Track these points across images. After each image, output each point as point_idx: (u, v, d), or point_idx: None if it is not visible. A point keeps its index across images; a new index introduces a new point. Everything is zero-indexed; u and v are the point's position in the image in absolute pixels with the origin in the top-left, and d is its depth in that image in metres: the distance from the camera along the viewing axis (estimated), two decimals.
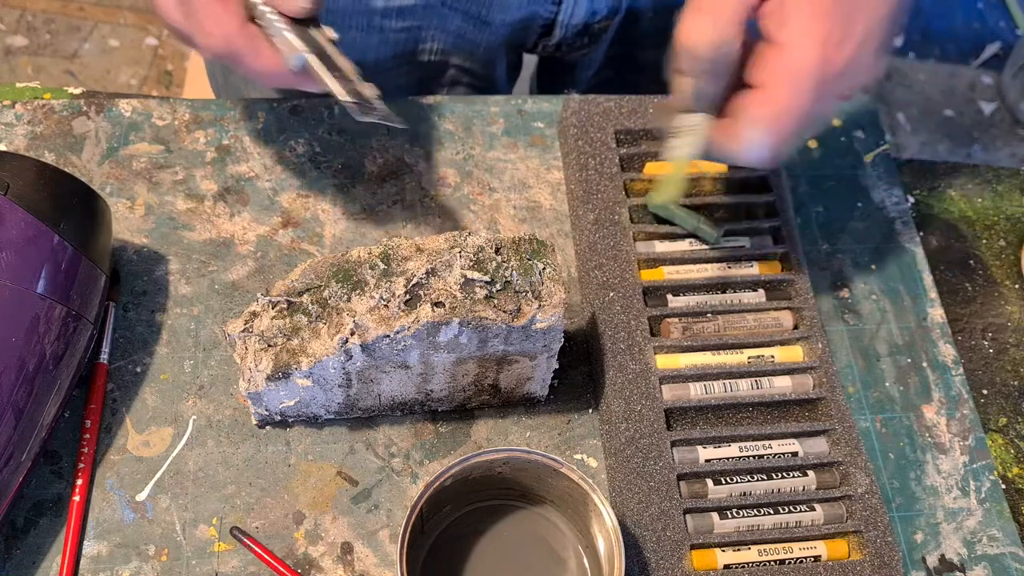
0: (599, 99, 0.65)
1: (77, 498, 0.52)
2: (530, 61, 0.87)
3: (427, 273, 0.49)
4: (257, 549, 0.51)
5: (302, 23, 0.49)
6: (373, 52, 0.74)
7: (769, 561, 0.51)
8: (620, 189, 0.62)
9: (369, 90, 0.50)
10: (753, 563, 0.51)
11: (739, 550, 0.52)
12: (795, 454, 0.55)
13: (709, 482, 0.53)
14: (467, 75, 0.78)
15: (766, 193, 0.63)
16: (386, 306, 0.49)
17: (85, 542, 0.52)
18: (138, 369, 0.57)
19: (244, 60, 0.49)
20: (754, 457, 0.54)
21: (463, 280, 0.49)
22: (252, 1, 0.49)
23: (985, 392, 0.61)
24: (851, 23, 0.45)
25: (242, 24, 0.49)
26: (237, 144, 0.65)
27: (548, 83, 0.90)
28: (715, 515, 0.52)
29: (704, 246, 0.60)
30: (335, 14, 0.70)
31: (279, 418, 0.55)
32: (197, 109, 0.66)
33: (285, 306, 0.50)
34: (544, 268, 0.50)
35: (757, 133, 0.46)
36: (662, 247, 0.60)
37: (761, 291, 0.60)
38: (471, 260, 0.50)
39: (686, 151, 0.51)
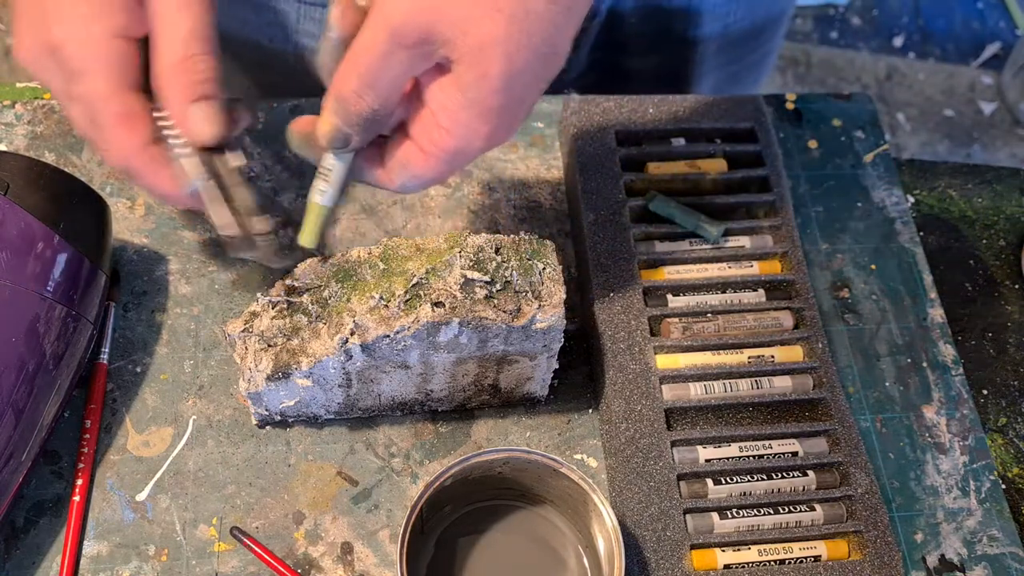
0: (599, 99, 0.65)
1: (77, 498, 0.52)
2: None
3: (427, 273, 0.49)
4: (257, 549, 0.51)
5: (210, 148, 0.49)
6: None
7: (769, 561, 0.51)
8: (620, 189, 0.62)
9: (259, 224, 0.50)
10: (753, 563, 0.51)
11: (739, 550, 0.52)
12: (795, 454, 0.55)
13: (709, 482, 0.53)
14: None
15: (766, 193, 0.63)
16: (386, 306, 0.49)
17: (85, 542, 0.52)
18: (138, 369, 0.57)
19: (141, 180, 0.49)
20: (754, 457, 0.54)
21: (463, 280, 0.49)
22: (161, 124, 0.49)
23: (985, 392, 0.61)
24: (515, 116, 0.45)
25: (143, 146, 0.48)
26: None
27: None
28: (715, 515, 0.52)
29: (704, 246, 0.60)
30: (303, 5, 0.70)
31: (279, 418, 0.55)
32: None
33: (285, 306, 0.50)
34: (544, 268, 0.51)
35: (415, 184, 0.48)
36: (662, 247, 0.60)
37: (761, 291, 0.60)
38: (471, 260, 0.50)
39: (327, 199, 0.49)
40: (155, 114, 0.49)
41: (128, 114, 0.48)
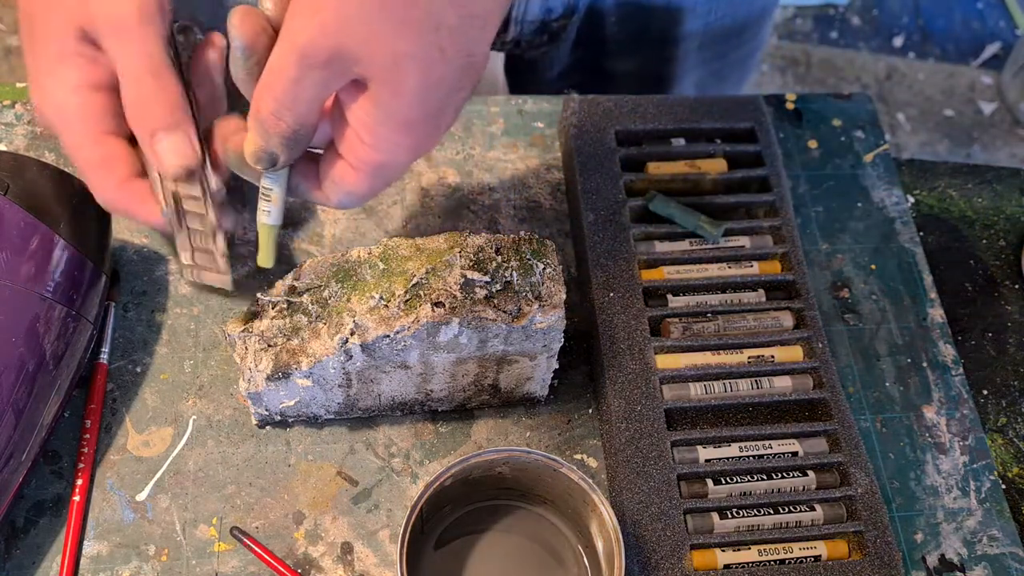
0: (599, 99, 0.65)
1: (77, 498, 0.52)
2: (497, 59, 0.86)
3: (427, 273, 0.49)
4: (257, 549, 0.51)
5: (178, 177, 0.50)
6: None
7: (769, 561, 0.51)
8: (620, 189, 0.62)
9: (220, 247, 0.54)
10: (753, 563, 0.51)
11: (739, 550, 0.52)
12: (795, 454, 0.55)
13: (709, 482, 0.53)
14: None
15: (766, 193, 0.63)
16: (386, 306, 0.49)
17: (85, 542, 0.52)
18: (138, 369, 0.57)
19: (127, 215, 0.52)
20: (754, 457, 0.54)
21: (463, 280, 0.49)
22: (145, 159, 0.51)
23: (985, 392, 0.61)
24: (437, 125, 0.45)
25: (120, 184, 0.50)
26: None
27: (515, 81, 0.90)
28: (715, 515, 0.52)
29: (704, 246, 0.60)
30: None
31: (279, 418, 0.55)
32: None
33: (285, 306, 0.50)
34: (544, 268, 0.51)
35: (351, 200, 0.48)
36: (662, 247, 0.60)
37: (761, 291, 0.60)
38: (471, 260, 0.50)
39: (273, 219, 0.51)
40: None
41: (103, 159, 0.50)
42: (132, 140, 0.51)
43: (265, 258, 0.52)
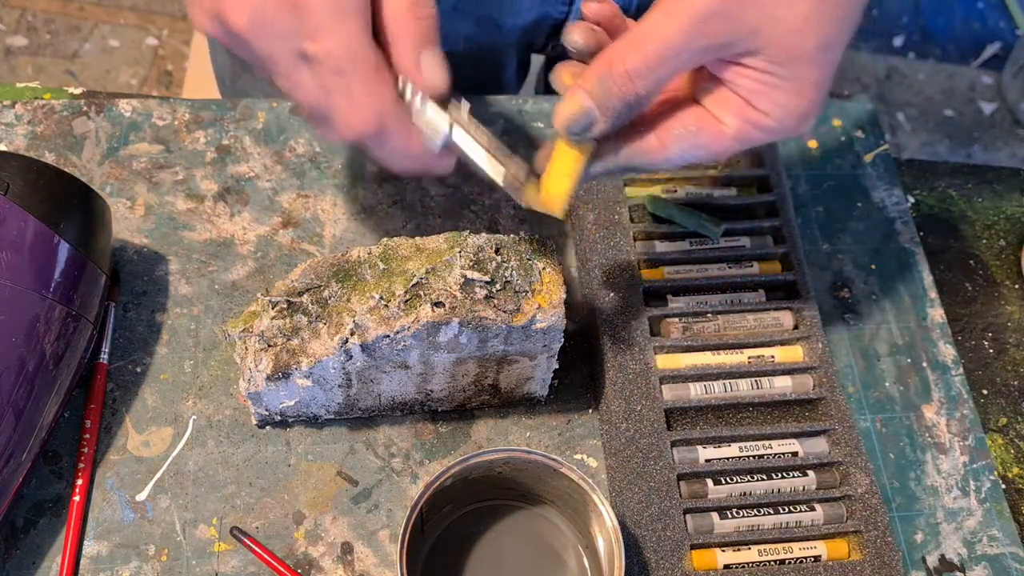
0: None
1: (77, 498, 0.52)
2: (537, 59, 0.86)
3: (427, 273, 0.49)
4: (257, 549, 0.51)
5: (441, 100, 0.45)
6: None
7: (769, 561, 0.51)
8: (620, 189, 0.62)
9: (517, 167, 0.46)
10: (753, 563, 0.51)
11: (739, 550, 0.52)
12: (795, 454, 0.55)
13: (709, 482, 0.53)
14: (478, 76, 0.78)
15: (766, 193, 0.63)
16: (386, 306, 0.49)
17: (85, 542, 0.52)
18: (138, 369, 0.57)
19: (391, 141, 0.44)
20: (754, 457, 0.54)
21: (463, 280, 0.49)
22: (402, 79, 0.45)
23: (985, 392, 0.61)
24: (828, 85, 0.44)
25: (396, 98, 0.44)
26: (237, 144, 0.65)
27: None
28: (715, 515, 0.52)
29: (704, 246, 0.60)
30: None
31: (279, 418, 0.55)
32: (197, 109, 0.66)
33: (285, 306, 0.50)
34: (544, 268, 0.51)
35: (694, 155, 0.46)
36: (662, 247, 0.60)
37: (761, 291, 0.60)
38: (471, 260, 0.50)
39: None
40: None
41: (379, 66, 0.43)
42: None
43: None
